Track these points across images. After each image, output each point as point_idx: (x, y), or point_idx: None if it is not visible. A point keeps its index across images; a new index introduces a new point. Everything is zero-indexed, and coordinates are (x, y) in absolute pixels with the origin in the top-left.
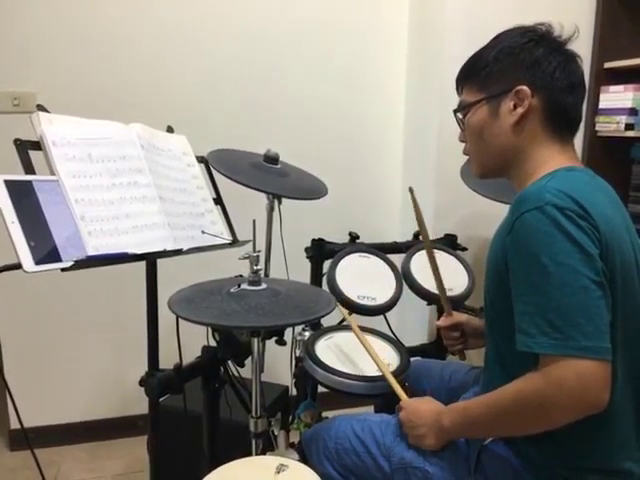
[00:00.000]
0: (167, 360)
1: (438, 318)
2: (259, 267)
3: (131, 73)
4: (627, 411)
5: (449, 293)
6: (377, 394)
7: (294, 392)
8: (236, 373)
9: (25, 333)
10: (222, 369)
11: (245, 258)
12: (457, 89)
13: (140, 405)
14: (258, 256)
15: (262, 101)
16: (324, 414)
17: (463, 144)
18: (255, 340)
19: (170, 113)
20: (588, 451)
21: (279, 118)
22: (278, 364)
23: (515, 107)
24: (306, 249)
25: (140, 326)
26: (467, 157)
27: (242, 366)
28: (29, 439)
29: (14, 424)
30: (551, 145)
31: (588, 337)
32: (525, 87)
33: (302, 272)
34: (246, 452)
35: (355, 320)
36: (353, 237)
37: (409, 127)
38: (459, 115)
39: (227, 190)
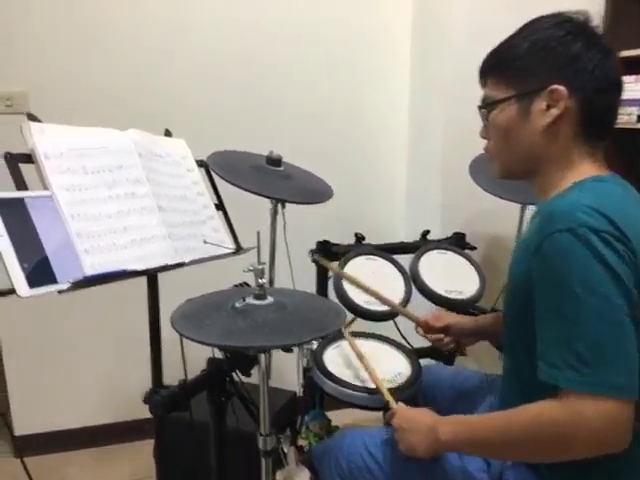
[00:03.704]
0: (173, 370)
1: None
2: (264, 280)
3: (127, 72)
4: None
5: (459, 296)
6: (384, 406)
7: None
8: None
9: (28, 339)
10: (228, 380)
11: (250, 271)
12: (480, 80)
13: (146, 409)
14: (263, 269)
15: (263, 100)
16: (329, 412)
17: (477, 141)
18: (262, 356)
19: (168, 114)
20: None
21: (281, 117)
22: (285, 368)
23: (548, 108)
24: (311, 252)
25: (144, 330)
26: (482, 154)
27: (248, 376)
28: (34, 445)
29: (19, 430)
30: (582, 150)
31: (619, 376)
32: (561, 87)
33: (307, 275)
34: (254, 463)
35: (350, 328)
36: (359, 238)
37: (414, 124)
38: (483, 110)
39: (229, 193)
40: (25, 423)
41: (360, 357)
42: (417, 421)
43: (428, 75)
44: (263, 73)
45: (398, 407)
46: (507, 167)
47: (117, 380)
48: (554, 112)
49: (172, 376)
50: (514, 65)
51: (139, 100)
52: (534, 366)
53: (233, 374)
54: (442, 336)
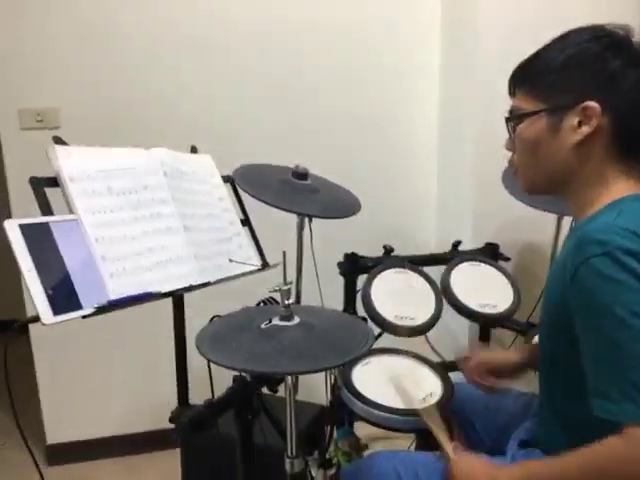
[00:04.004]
0: (201, 386)
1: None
2: (291, 301)
3: (154, 88)
4: None
5: (492, 310)
6: (420, 428)
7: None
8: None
9: (58, 349)
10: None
11: (276, 291)
12: (510, 90)
13: None
14: (289, 289)
15: (289, 111)
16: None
17: (508, 152)
18: (288, 378)
19: (193, 127)
20: None
21: (307, 127)
22: (313, 379)
23: (580, 125)
24: (339, 264)
25: (173, 344)
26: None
27: (275, 392)
28: (66, 454)
29: (51, 439)
30: (615, 169)
31: None
32: (595, 104)
33: (335, 289)
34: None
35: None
36: (387, 250)
37: (444, 131)
38: (510, 122)
39: (255, 208)
40: (57, 432)
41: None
42: (475, 472)
43: (458, 80)
44: (289, 83)
45: (456, 458)
46: (532, 182)
47: (146, 390)
48: (585, 130)
49: (200, 392)
50: (547, 79)
51: (166, 115)
52: (571, 396)
53: (260, 393)
54: (494, 381)
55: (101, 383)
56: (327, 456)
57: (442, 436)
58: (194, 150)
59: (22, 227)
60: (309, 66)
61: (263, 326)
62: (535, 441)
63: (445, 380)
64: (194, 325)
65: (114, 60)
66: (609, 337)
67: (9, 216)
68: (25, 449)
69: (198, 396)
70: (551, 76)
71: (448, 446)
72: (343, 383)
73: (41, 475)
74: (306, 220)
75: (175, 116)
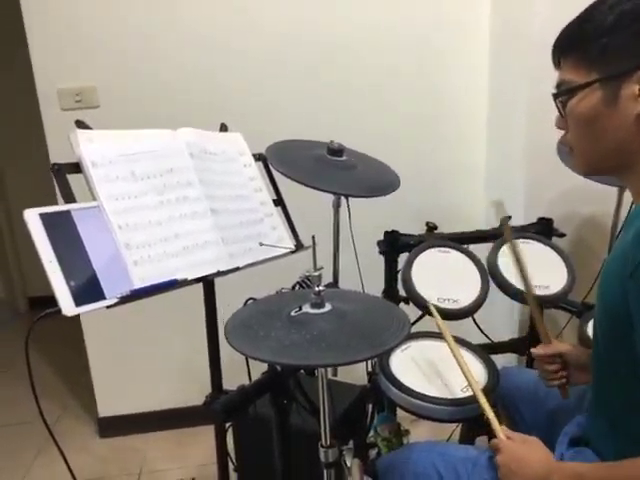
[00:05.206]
0: (238, 370)
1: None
2: (321, 287)
3: (188, 65)
4: None
5: (544, 292)
6: (462, 419)
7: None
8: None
9: (108, 324)
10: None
11: (306, 278)
12: (554, 60)
13: None
14: (320, 275)
15: (326, 83)
16: None
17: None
18: (319, 372)
19: (225, 104)
20: None
21: (346, 100)
22: None
23: None
24: (378, 243)
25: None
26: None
27: (313, 375)
28: (117, 427)
29: (102, 412)
30: None
31: None
32: None
33: (376, 269)
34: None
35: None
36: (430, 227)
37: (494, 99)
38: (560, 99)
39: (289, 186)
40: (108, 406)
41: (465, 371)
42: (528, 466)
43: (510, 46)
44: (325, 55)
45: (506, 442)
46: (591, 163)
47: (193, 365)
48: None
49: (238, 377)
50: (597, 43)
51: (200, 93)
52: (623, 396)
53: (297, 377)
54: (557, 367)
55: (151, 357)
56: (367, 441)
57: (494, 419)
58: (224, 128)
59: (42, 216)
60: (351, 24)
61: (293, 313)
62: (586, 438)
63: (490, 366)
64: (234, 306)
65: (150, 40)
66: None
67: (55, 201)
68: (79, 422)
69: (237, 378)
70: (602, 40)
71: (498, 428)
72: (380, 369)
73: None
74: (342, 198)
75: (211, 95)
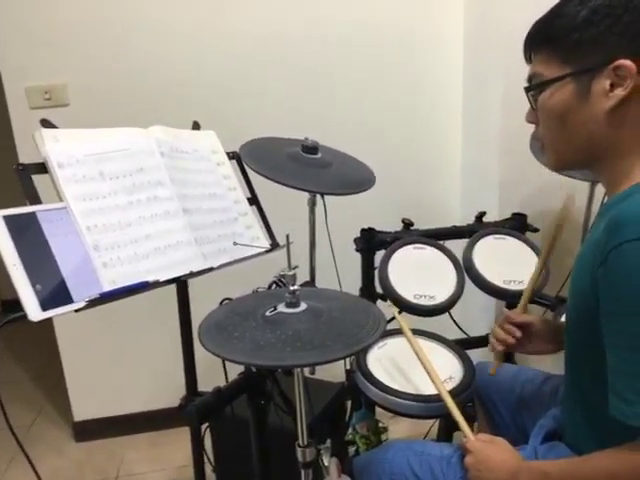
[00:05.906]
0: (215, 371)
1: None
2: (296, 287)
3: (161, 61)
4: None
5: (518, 287)
6: (438, 415)
7: None
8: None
9: (82, 328)
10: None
11: (280, 277)
12: (525, 55)
13: None
14: (294, 275)
15: (298, 77)
16: None
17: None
18: (295, 372)
19: (199, 102)
20: None
21: (319, 94)
22: None
23: (613, 87)
24: (355, 240)
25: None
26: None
27: (290, 374)
28: (93, 430)
29: (77, 416)
30: None
31: None
32: (628, 61)
33: (353, 266)
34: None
35: (406, 321)
36: (407, 224)
37: (468, 92)
38: (531, 93)
39: (264, 185)
40: (84, 409)
41: (424, 362)
42: (496, 467)
43: (485, 36)
44: (300, 50)
45: (473, 442)
46: (562, 157)
47: (170, 366)
48: (619, 92)
49: (216, 376)
50: (568, 37)
51: (172, 90)
52: (598, 389)
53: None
54: (519, 335)
55: (126, 360)
56: (345, 439)
57: (462, 421)
58: (196, 126)
59: (6, 218)
60: (327, 19)
61: (268, 314)
62: (561, 431)
63: (465, 362)
64: (210, 306)
65: (121, 36)
66: (634, 334)
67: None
68: (54, 426)
69: (215, 379)
70: (574, 34)
71: (466, 428)
72: (357, 367)
73: None
74: (318, 196)
75: (185, 92)
